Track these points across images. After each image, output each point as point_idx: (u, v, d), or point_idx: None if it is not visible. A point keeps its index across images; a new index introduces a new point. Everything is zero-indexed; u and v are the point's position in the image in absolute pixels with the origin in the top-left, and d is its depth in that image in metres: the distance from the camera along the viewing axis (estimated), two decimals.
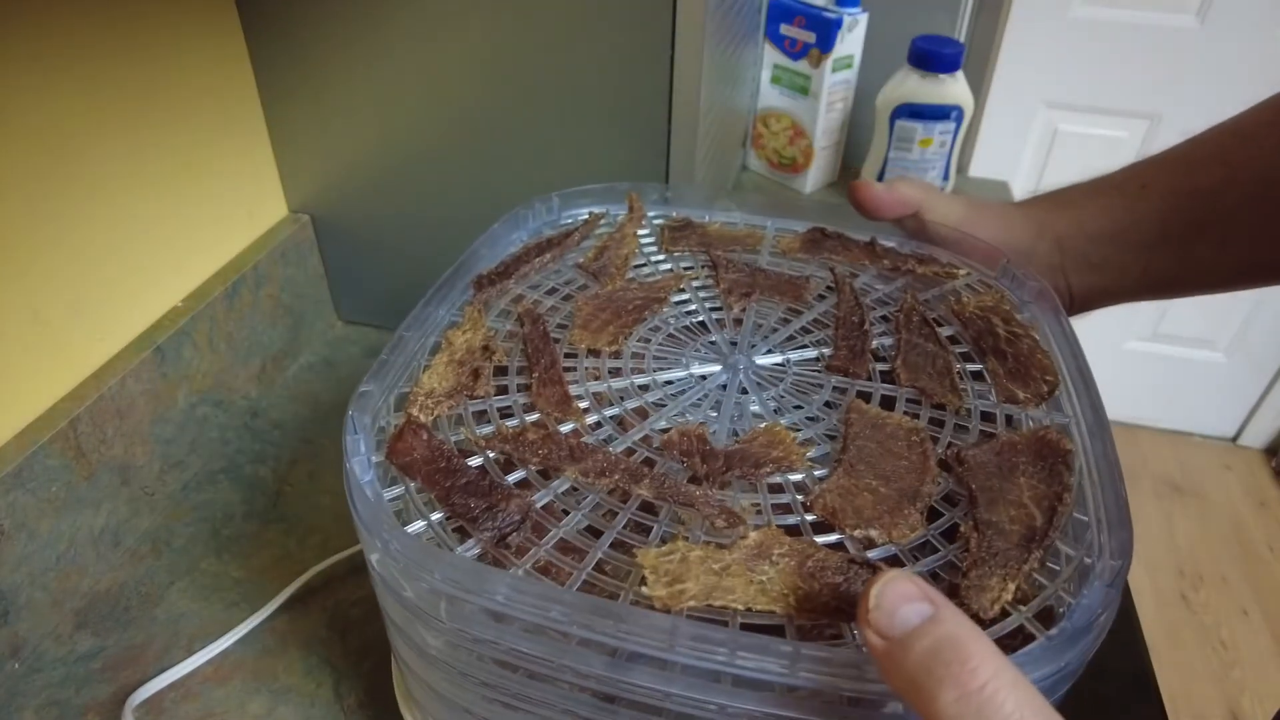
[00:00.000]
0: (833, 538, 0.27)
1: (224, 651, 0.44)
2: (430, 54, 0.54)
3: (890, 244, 0.42)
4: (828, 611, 0.23)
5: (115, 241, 0.49)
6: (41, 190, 0.44)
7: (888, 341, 0.36)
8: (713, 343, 0.36)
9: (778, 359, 0.35)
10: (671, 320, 0.37)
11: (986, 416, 0.31)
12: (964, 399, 0.32)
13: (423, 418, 0.31)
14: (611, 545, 0.26)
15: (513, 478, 0.29)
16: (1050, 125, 1.56)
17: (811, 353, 0.35)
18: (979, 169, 0.98)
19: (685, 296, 0.39)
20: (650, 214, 0.44)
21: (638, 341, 0.36)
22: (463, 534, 0.27)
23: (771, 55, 0.85)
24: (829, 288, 0.39)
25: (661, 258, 0.42)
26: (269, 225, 0.63)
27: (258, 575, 0.48)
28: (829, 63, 0.80)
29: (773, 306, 0.38)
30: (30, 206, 0.43)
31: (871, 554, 0.26)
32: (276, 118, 0.60)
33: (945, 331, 0.36)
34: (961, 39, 0.91)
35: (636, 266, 0.41)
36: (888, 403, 0.32)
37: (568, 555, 0.26)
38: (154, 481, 0.52)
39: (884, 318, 0.37)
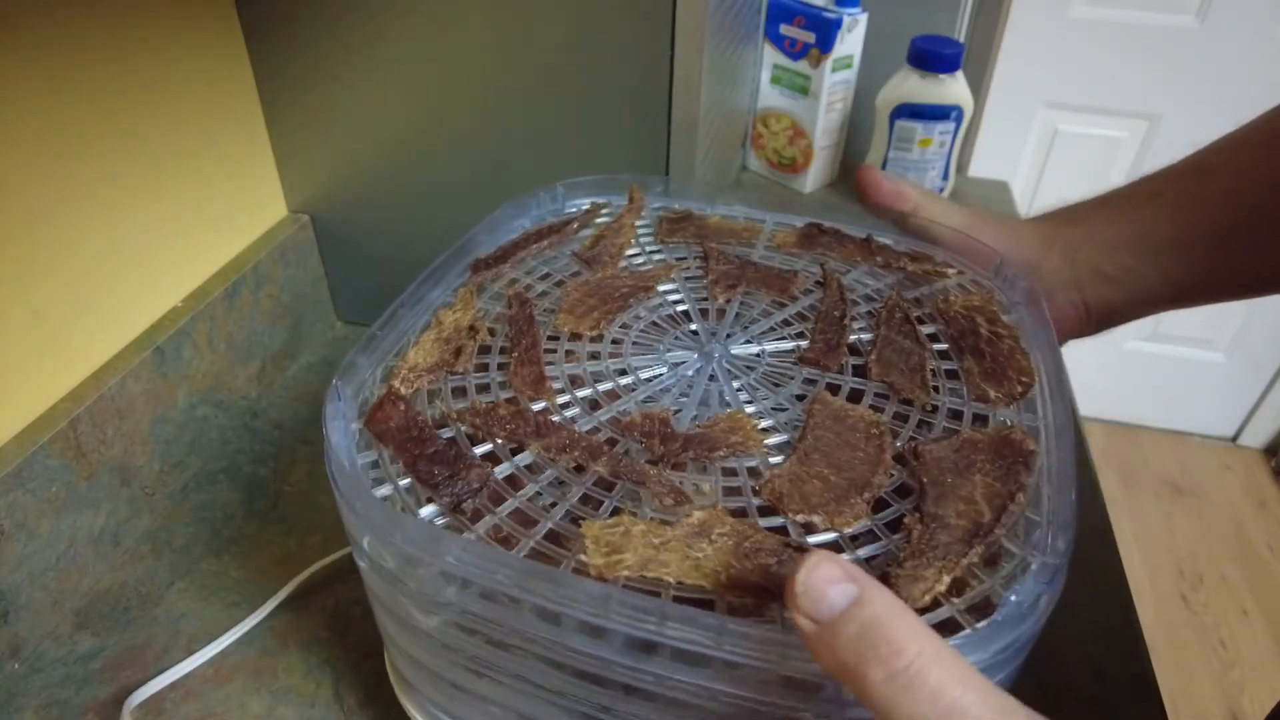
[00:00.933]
0: (776, 522, 0.27)
1: (224, 652, 0.44)
2: (430, 54, 0.55)
3: (886, 241, 0.42)
4: (755, 591, 0.24)
5: (115, 241, 0.49)
6: (41, 191, 0.44)
7: (867, 337, 0.36)
8: (693, 332, 0.37)
9: (754, 349, 0.36)
10: (656, 308, 0.38)
11: (954, 414, 0.32)
12: (932, 395, 0.33)
13: (403, 389, 0.32)
14: (564, 517, 0.28)
15: (480, 450, 0.30)
16: (1050, 125, 1.56)
17: (789, 345, 0.36)
18: (979, 169, 0.98)
19: (673, 286, 0.40)
20: (653, 205, 0.45)
21: (620, 328, 0.37)
22: (430, 501, 0.29)
23: (771, 55, 0.85)
24: (817, 282, 0.40)
25: (657, 248, 0.42)
26: (269, 225, 0.63)
27: (258, 575, 0.48)
28: (829, 63, 0.80)
29: (758, 299, 0.39)
30: (30, 207, 0.43)
31: (813, 539, 0.27)
32: (276, 118, 0.60)
33: (927, 329, 0.36)
34: (961, 39, 0.91)
35: (630, 256, 0.42)
36: (856, 396, 0.33)
37: (523, 525, 0.27)
38: (154, 482, 0.52)
39: (869, 313, 0.38)
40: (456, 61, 0.54)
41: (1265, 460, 1.86)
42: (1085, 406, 1.46)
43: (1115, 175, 1.54)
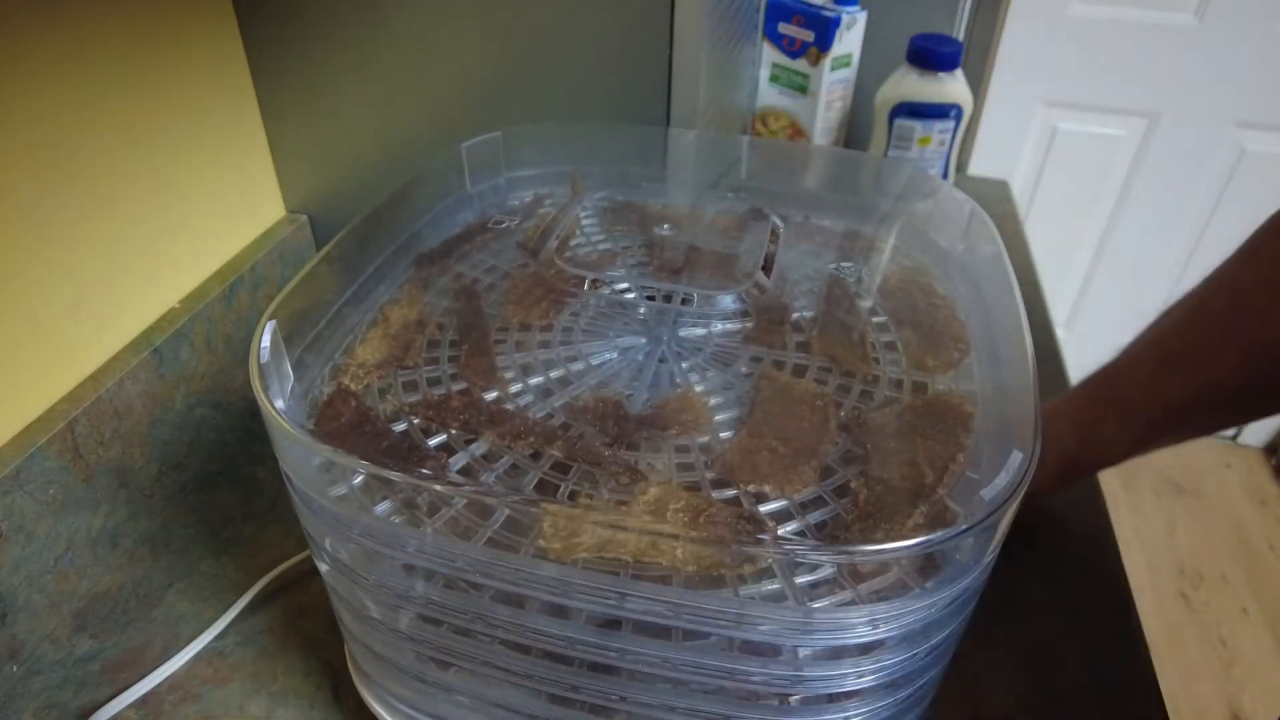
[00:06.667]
0: (730, 493, 0.28)
1: (222, 653, 0.44)
2: (427, 55, 0.54)
3: (825, 222, 0.43)
4: (713, 563, 0.25)
5: (112, 243, 0.49)
6: (39, 191, 0.44)
7: (810, 314, 0.37)
8: (641, 316, 0.37)
9: (701, 331, 0.37)
10: (604, 296, 0.39)
11: (895, 383, 0.33)
12: (873, 366, 0.34)
13: (353, 386, 0.32)
14: (522, 502, 0.28)
15: (434, 442, 0.30)
16: (1049, 123, 1.55)
17: (734, 325, 0.37)
18: (978, 167, 0.98)
19: (619, 273, 0.40)
20: (595, 194, 0.45)
21: (569, 316, 0.37)
22: (385, 497, 0.29)
23: (770, 54, 0.85)
24: (760, 264, 0.41)
25: (601, 237, 0.43)
26: (266, 226, 0.63)
27: (257, 577, 0.48)
28: (827, 61, 0.80)
29: (702, 282, 0.39)
30: (28, 207, 0.43)
31: (765, 508, 0.28)
32: (273, 118, 0.60)
33: (866, 303, 0.38)
34: (960, 37, 0.90)
35: (575, 245, 0.42)
36: (801, 371, 0.34)
37: (480, 514, 0.28)
38: (152, 483, 0.52)
39: (810, 291, 0.39)
40: (453, 62, 0.54)
41: (1266, 459, 1.86)
42: None
43: (1114, 174, 1.54)
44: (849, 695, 0.26)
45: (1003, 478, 0.24)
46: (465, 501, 0.28)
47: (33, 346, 0.45)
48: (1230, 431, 1.89)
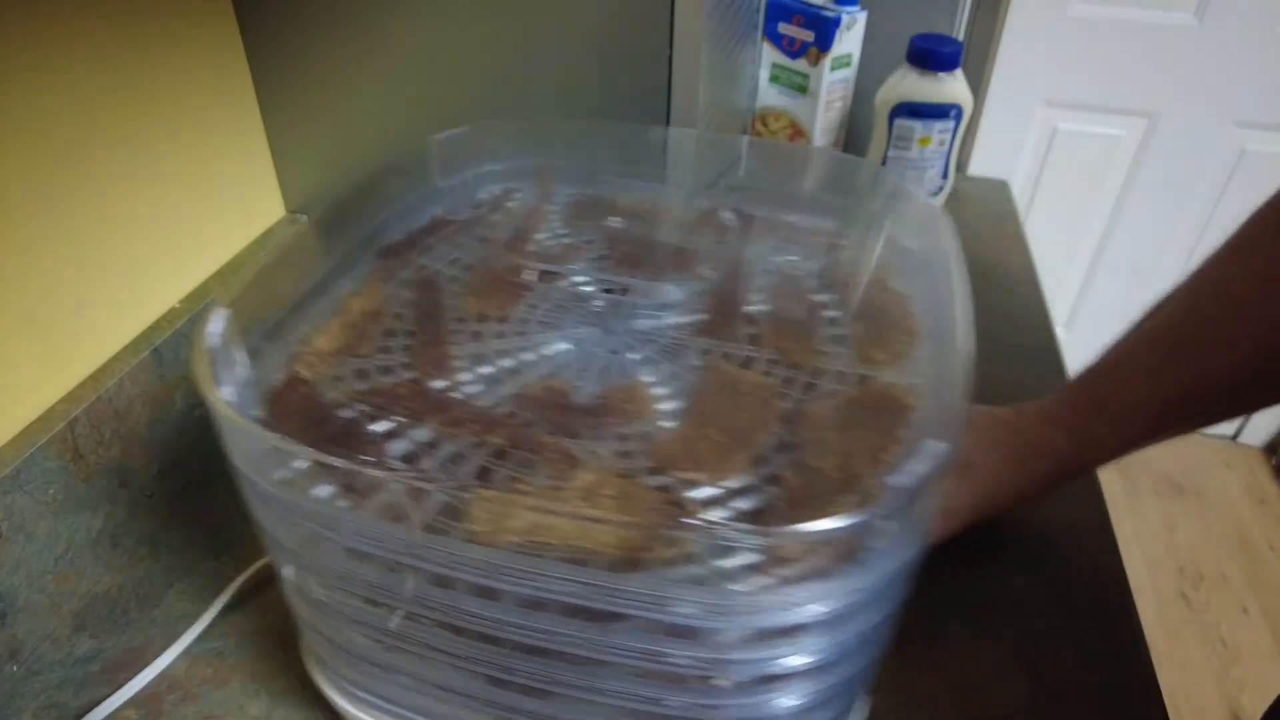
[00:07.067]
0: (664, 480, 0.28)
1: (222, 653, 0.44)
2: (427, 54, 0.54)
3: (788, 219, 0.44)
4: (639, 546, 0.25)
5: (112, 243, 0.49)
6: (39, 192, 0.44)
7: (764, 308, 0.37)
8: (597, 309, 0.38)
9: (654, 324, 0.37)
10: (562, 289, 0.39)
11: (840, 375, 0.33)
12: (820, 359, 0.34)
13: (307, 375, 0.32)
14: (452, 487, 0.28)
15: (380, 429, 0.31)
16: (1049, 123, 1.55)
17: (688, 318, 0.37)
18: (978, 167, 0.98)
19: (579, 267, 0.40)
20: (565, 190, 0.46)
21: (526, 308, 0.37)
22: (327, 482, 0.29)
23: (770, 54, 0.85)
24: (719, 259, 0.41)
25: (566, 231, 0.43)
26: (266, 226, 0.63)
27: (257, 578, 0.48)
28: (827, 61, 0.80)
29: (662, 276, 0.40)
30: (27, 208, 0.43)
31: (697, 494, 0.28)
32: (273, 118, 0.60)
33: (821, 298, 0.38)
34: (960, 37, 0.90)
35: (541, 239, 0.42)
36: (749, 363, 0.34)
37: (414, 499, 0.28)
38: (152, 483, 0.52)
39: (766, 286, 0.39)
40: (453, 63, 0.54)
41: (1265, 458, 1.86)
42: None
43: (1114, 174, 1.54)
44: (778, 679, 0.26)
45: (918, 467, 0.24)
46: (403, 487, 0.28)
47: (32, 346, 0.45)
48: (1230, 431, 1.89)
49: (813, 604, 0.24)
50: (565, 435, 0.30)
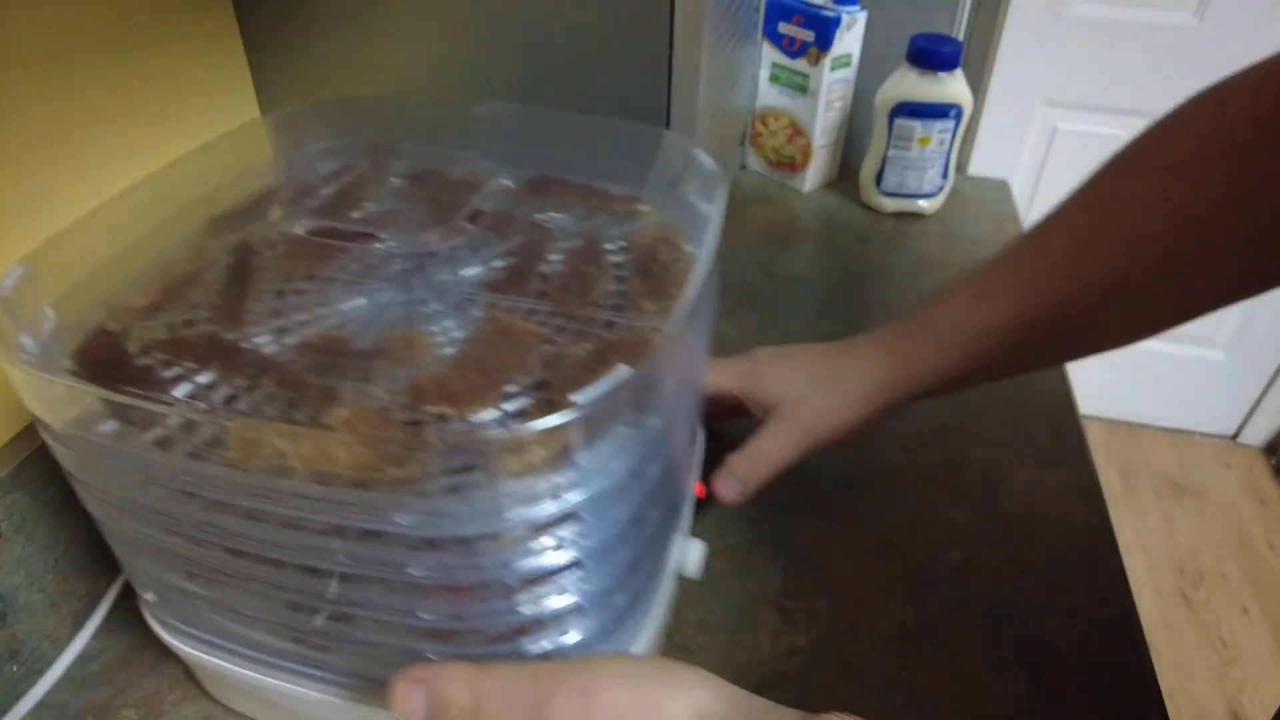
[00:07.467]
0: (416, 416, 0.31)
1: None
2: (426, 54, 0.54)
3: (603, 188, 0.46)
4: (371, 468, 0.28)
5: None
6: (38, 192, 0.44)
7: (558, 268, 0.40)
8: (400, 270, 0.40)
9: (451, 282, 0.39)
10: (374, 253, 0.41)
11: (609, 324, 0.36)
12: (594, 311, 0.36)
13: (113, 327, 0.35)
14: (221, 419, 0.31)
15: (170, 374, 0.33)
16: (1049, 123, 1.56)
17: (484, 276, 0.39)
18: (978, 167, 0.98)
19: (390, 233, 0.42)
20: (401, 164, 0.48)
21: (334, 270, 0.39)
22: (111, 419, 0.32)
23: (770, 54, 0.85)
24: (524, 224, 0.43)
25: (391, 202, 0.45)
26: None
27: None
28: (827, 61, 0.80)
29: (469, 241, 0.41)
30: (27, 208, 0.43)
31: (448, 426, 0.31)
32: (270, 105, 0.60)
33: (617, 259, 0.40)
34: (960, 37, 0.90)
35: (366, 208, 0.44)
36: (530, 314, 0.37)
37: (187, 432, 0.31)
38: None
39: (565, 247, 0.41)
40: (452, 61, 0.54)
41: (1265, 458, 1.86)
42: (1086, 405, 1.46)
43: None
44: (537, 580, 0.30)
45: (600, 386, 0.27)
46: (177, 420, 0.31)
47: None
48: (1230, 431, 1.89)
49: (526, 507, 0.28)
50: (337, 378, 0.32)
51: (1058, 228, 0.42)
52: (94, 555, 0.46)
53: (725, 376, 0.48)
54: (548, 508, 0.28)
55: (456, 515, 0.28)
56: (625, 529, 0.32)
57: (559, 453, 0.28)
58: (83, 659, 0.44)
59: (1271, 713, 0.50)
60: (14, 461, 0.42)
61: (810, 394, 0.46)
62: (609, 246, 0.41)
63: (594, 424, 0.28)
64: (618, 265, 0.40)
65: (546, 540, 0.29)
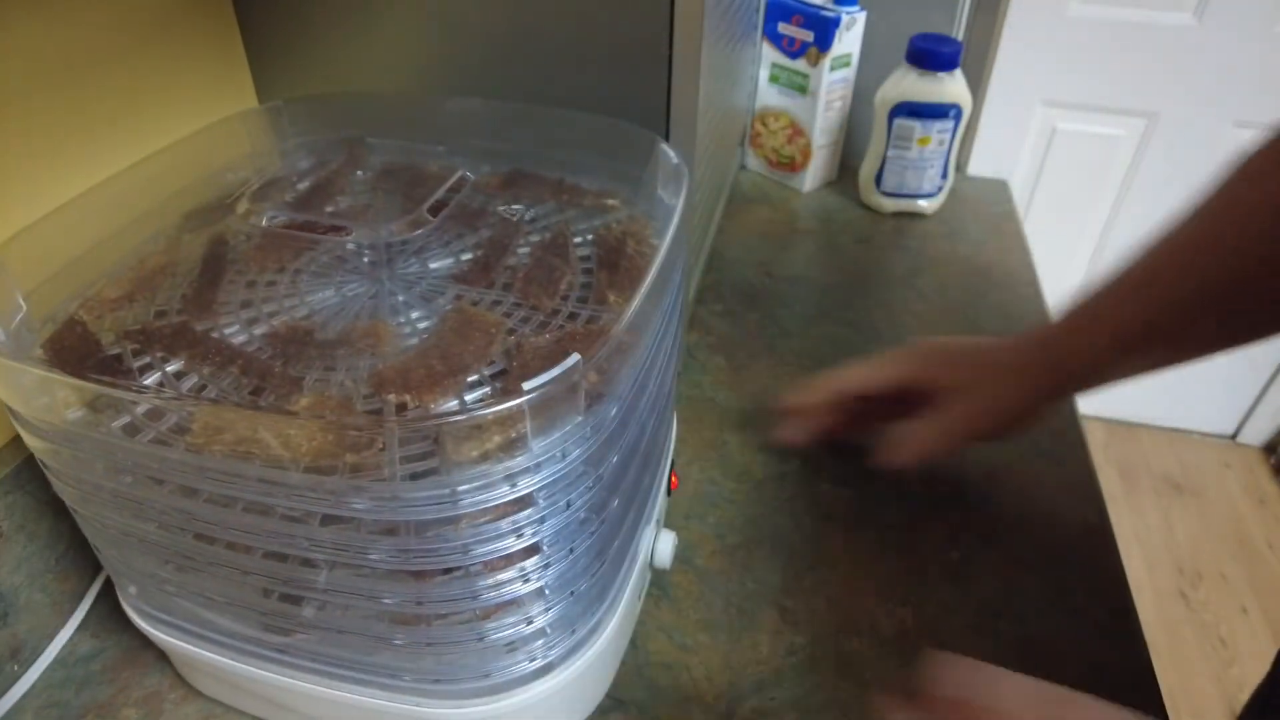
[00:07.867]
0: (377, 404, 0.31)
1: None
2: (425, 53, 0.54)
3: (576, 182, 0.46)
4: (330, 455, 0.28)
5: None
6: (39, 192, 0.44)
7: (526, 260, 0.40)
8: (370, 262, 0.40)
9: (418, 272, 0.39)
10: (345, 246, 0.41)
11: (572, 316, 0.36)
12: (557, 302, 0.37)
13: (85, 317, 0.35)
14: (184, 406, 0.32)
15: (140, 363, 0.34)
16: (1049, 123, 1.56)
17: (452, 268, 0.40)
18: (977, 167, 0.98)
19: (363, 226, 0.42)
20: (378, 158, 0.48)
21: (306, 262, 0.40)
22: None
23: (770, 54, 0.85)
24: (495, 217, 0.43)
25: (364, 196, 0.45)
26: None
27: None
28: (827, 61, 0.80)
29: (439, 234, 0.42)
30: (27, 208, 0.43)
31: (408, 414, 0.31)
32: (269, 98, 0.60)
33: (584, 251, 0.41)
34: (960, 37, 0.91)
35: (339, 202, 0.44)
36: (494, 305, 0.37)
37: (153, 419, 0.31)
38: None
39: (533, 240, 0.42)
40: (451, 60, 0.54)
41: (1265, 458, 1.86)
42: (1085, 405, 1.46)
43: (1114, 174, 1.55)
44: (501, 562, 0.31)
45: (548, 374, 0.27)
46: (146, 408, 0.31)
47: None
48: (1230, 431, 1.89)
49: (481, 493, 0.28)
50: (302, 366, 0.33)
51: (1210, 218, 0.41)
52: (95, 554, 0.46)
53: (887, 367, 0.48)
54: (503, 493, 0.29)
55: (413, 501, 0.28)
56: (584, 516, 0.32)
57: (513, 439, 0.28)
58: (84, 659, 0.44)
59: (1260, 705, 0.50)
60: (15, 461, 0.42)
61: (973, 386, 0.45)
62: (577, 240, 0.41)
63: (545, 411, 0.28)
64: (585, 258, 0.40)
65: (503, 525, 0.30)
